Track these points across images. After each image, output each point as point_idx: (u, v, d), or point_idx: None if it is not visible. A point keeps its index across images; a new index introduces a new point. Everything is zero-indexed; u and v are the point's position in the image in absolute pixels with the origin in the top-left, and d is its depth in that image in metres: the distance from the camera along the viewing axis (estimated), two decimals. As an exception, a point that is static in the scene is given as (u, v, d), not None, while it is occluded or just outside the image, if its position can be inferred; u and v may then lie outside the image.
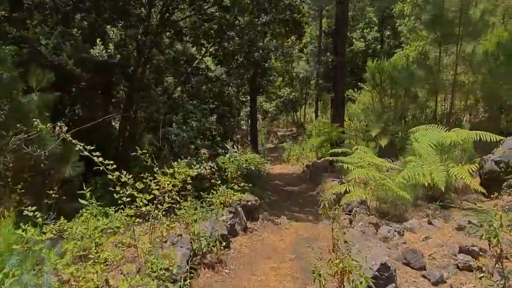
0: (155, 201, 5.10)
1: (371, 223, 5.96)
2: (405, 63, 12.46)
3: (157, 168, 4.99)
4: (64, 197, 5.98)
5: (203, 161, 9.57)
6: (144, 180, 4.96)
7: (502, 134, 7.45)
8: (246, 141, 25.42)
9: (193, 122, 7.74)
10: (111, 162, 4.63)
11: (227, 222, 6.17)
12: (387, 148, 9.63)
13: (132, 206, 4.97)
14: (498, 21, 12.22)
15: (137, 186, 4.86)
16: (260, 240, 6.32)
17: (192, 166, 5.34)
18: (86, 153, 4.44)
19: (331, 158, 12.78)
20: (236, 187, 6.77)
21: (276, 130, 31.77)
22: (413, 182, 6.60)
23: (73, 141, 4.75)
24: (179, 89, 10.27)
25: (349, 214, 7.05)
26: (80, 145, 4.60)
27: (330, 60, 28.22)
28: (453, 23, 8.94)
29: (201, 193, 6.70)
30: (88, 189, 5.24)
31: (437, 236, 5.78)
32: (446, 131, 7.08)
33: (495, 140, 6.54)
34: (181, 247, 4.67)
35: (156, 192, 4.94)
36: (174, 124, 7.69)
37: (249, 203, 7.07)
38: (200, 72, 10.47)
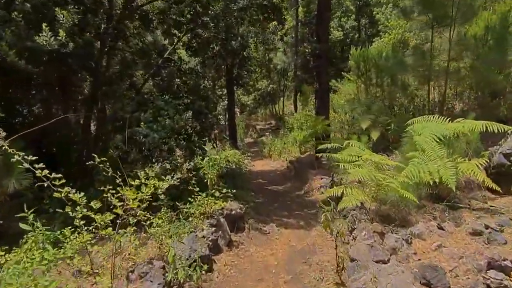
0: (119, 221, 4.10)
1: (376, 231, 5.14)
2: (390, 50, 11.73)
3: (120, 180, 3.96)
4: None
5: (178, 165, 8.56)
6: (105, 195, 3.97)
7: (503, 123, 6.78)
8: (224, 136, 24.37)
9: (165, 120, 6.68)
10: (59, 175, 3.63)
11: (208, 237, 5.21)
12: (378, 141, 8.87)
13: (91, 228, 4.00)
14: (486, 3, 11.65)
15: (93, 206, 3.86)
16: (248, 257, 5.39)
17: (164, 176, 4.32)
18: (38, 163, 3.48)
19: (316, 153, 12.02)
20: (217, 194, 5.80)
21: (254, 124, 30.85)
22: (417, 181, 5.82)
23: (10, 150, 3.72)
24: (150, 84, 9.12)
25: (345, 218, 6.25)
26: (19, 154, 3.58)
27: (308, 50, 27.44)
28: (446, 4, 8.19)
29: (177, 202, 5.71)
30: (33, 209, 4.21)
31: (450, 243, 5.03)
32: (449, 121, 6.33)
33: (502, 131, 5.84)
34: (151, 281, 3.67)
35: (118, 211, 3.94)
36: (142, 123, 6.60)
37: (233, 211, 6.12)
38: (172, 64, 9.34)
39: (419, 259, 4.77)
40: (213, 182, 5.66)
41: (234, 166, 13.97)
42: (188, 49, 9.75)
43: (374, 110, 9.51)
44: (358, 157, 6.19)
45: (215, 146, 24.18)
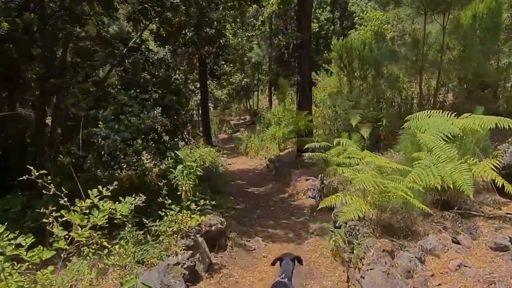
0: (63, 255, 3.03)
1: (385, 250, 4.31)
2: (374, 41, 11.02)
3: (65, 199, 2.88)
4: None
5: (147, 172, 7.43)
6: (45, 220, 2.91)
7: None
8: (198, 132, 23.16)
9: (129, 118, 5.55)
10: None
11: (183, 264, 4.18)
12: (368, 139, 8.10)
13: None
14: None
15: (22, 242, 2.78)
16: (232, 285, 4.41)
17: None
18: None
19: (299, 152, 11.17)
20: (193, 206, 4.77)
21: (229, 119, 29.75)
22: (423, 185, 5.04)
23: None
24: (115, 78, 7.85)
25: (340, 228, 5.41)
26: None
27: (282, 43, 26.60)
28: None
29: (144, 219, 4.64)
30: None
31: (472, 261, 4.27)
32: (455, 117, 5.59)
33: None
34: None
35: (61, 244, 2.86)
36: (101, 122, 5.44)
37: (213, 227, 5.11)
38: (139, 54, 8.12)
39: (439, 284, 3.98)
40: (189, 195, 4.61)
41: (209, 166, 12.94)
42: (157, 37, 8.54)
43: (362, 105, 8.73)
44: (358, 159, 5.35)
45: (188, 143, 22.96)
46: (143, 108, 6.01)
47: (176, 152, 7.10)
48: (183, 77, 22.46)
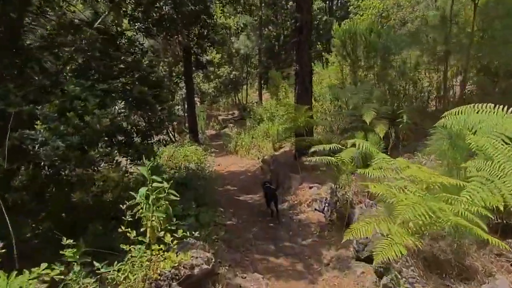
0: None
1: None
2: (385, 25, 9.60)
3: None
4: None
5: (111, 189, 5.84)
6: None
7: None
8: (184, 128, 21.55)
9: (77, 117, 4.00)
10: None
11: None
12: (384, 139, 6.70)
13: None
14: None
15: None
16: None
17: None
18: None
19: (297, 153, 9.73)
20: (168, 238, 3.26)
21: (216, 114, 28.12)
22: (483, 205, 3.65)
23: None
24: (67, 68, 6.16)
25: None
26: None
27: (273, 34, 25.03)
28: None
29: (95, 262, 3.13)
30: None
31: None
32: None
33: None
34: None
35: None
36: (39, 122, 3.88)
37: (196, 269, 3.61)
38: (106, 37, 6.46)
39: None
40: (157, 231, 3.08)
41: (195, 168, 11.41)
42: (128, 16, 6.90)
43: (375, 98, 7.31)
44: (396, 172, 3.92)
45: (174, 140, 21.30)
46: (103, 103, 4.44)
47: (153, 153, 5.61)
48: (167, 69, 20.77)
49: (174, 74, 21.27)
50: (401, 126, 6.54)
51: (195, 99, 22.75)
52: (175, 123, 23.64)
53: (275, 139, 11.70)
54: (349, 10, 22.75)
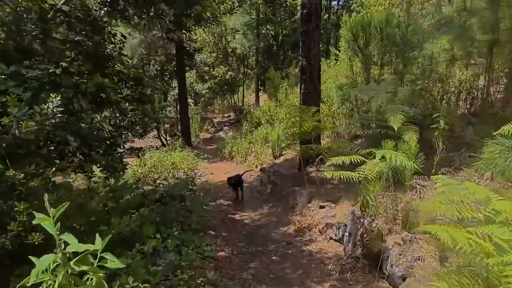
0: None
1: None
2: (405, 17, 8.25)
3: None
4: None
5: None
6: None
7: None
8: (176, 132, 20.08)
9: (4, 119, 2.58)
10: None
11: None
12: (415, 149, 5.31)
13: None
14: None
15: None
16: None
17: None
18: None
19: (302, 160, 8.35)
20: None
21: (211, 116, 26.69)
22: None
23: None
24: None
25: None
26: None
27: (271, 33, 23.64)
28: None
29: None
30: None
31: None
32: None
33: None
34: None
35: None
36: None
37: None
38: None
39: None
40: None
41: (184, 177, 9.96)
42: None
43: (402, 99, 5.92)
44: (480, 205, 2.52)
45: (166, 144, 19.83)
46: (36, 97, 3.01)
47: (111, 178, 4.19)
48: (158, 68, 19.33)
49: (166, 73, 19.86)
50: (437, 134, 5.18)
51: (189, 100, 21.32)
52: (166, 125, 22.26)
53: (276, 145, 10.29)
54: (351, 8, 21.51)
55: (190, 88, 20.04)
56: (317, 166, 7.61)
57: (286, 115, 11.44)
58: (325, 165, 4.98)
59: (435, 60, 7.17)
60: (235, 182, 7.96)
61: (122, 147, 4.67)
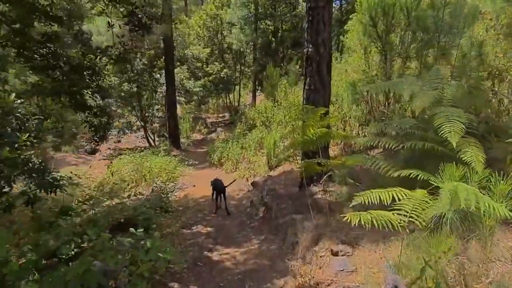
0: None
1: None
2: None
3: None
4: None
5: None
6: None
7: None
8: (164, 133, 18.19)
9: None
10: None
11: None
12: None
13: None
14: None
15: None
16: None
17: None
18: None
19: (299, 173, 6.48)
20: None
21: (205, 116, 24.80)
22: None
23: None
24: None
25: None
26: None
27: (270, 28, 21.68)
28: None
29: None
30: None
31: None
32: None
33: None
34: None
35: None
36: None
37: None
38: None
39: None
40: None
41: (159, 189, 8.12)
42: None
43: (449, 100, 4.06)
44: None
45: (154, 145, 17.92)
46: None
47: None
48: (146, 62, 17.38)
49: (156, 69, 17.95)
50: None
51: (180, 98, 19.42)
52: (156, 124, 20.30)
53: (272, 153, 8.41)
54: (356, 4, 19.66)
55: (180, 85, 18.11)
56: (324, 185, 5.76)
57: (284, 117, 9.59)
58: (353, 202, 3.06)
59: (485, 48, 5.29)
60: (217, 187, 6.95)
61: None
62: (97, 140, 6.30)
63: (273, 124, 10.40)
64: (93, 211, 5.37)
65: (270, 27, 21.39)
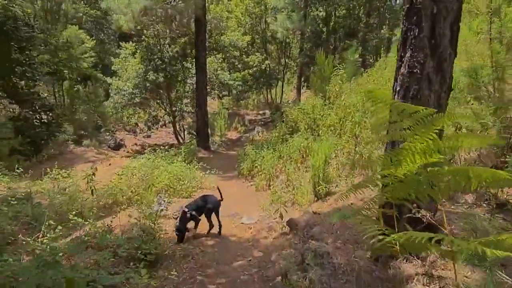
0: None
1: None
2: None
3: None
4: None
5: None
6: None
7: None
8: (192, 132, 15.87)
9: None
10: None
11: None
12: None
13: None
14: None
15: None
16: None
17: None
18: None
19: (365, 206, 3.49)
20: None
21: (243, 112, 22.27)
22: None
23: None
24: None
25: None
26: None
27: (321, 13, 18.57)
28: None
29: None
30: None
31: None
32: None
33: None
34: None
35: None
36: None
37: None
38: None
39: None
40: None
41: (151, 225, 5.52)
42: None
43: None
44: None
45: (183, 142, 15.67)
46: None
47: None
48: (176, 51, 15.10)
49: (188, 58, 15.64)
50: None
51: (213, 92, 16.98)
52: (189, 120, 18.05)
53: (320, 174, 5.51)
54: None
55: (214, 77, 15.62)
56: (430, 264, 2.84)
57: (340, 121, 6.65)
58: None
59: None
60: (213, 207, 5.20)
61: None
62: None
63: (322, 130, 7.50)
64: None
65: (321, 13, 18.27)
